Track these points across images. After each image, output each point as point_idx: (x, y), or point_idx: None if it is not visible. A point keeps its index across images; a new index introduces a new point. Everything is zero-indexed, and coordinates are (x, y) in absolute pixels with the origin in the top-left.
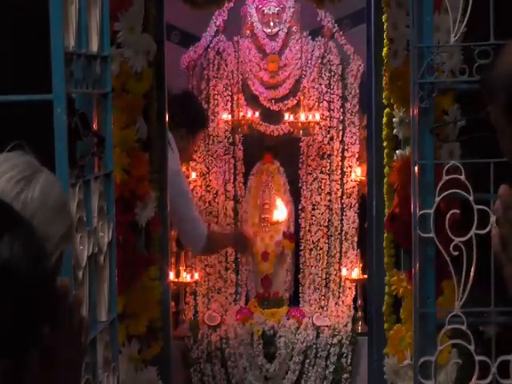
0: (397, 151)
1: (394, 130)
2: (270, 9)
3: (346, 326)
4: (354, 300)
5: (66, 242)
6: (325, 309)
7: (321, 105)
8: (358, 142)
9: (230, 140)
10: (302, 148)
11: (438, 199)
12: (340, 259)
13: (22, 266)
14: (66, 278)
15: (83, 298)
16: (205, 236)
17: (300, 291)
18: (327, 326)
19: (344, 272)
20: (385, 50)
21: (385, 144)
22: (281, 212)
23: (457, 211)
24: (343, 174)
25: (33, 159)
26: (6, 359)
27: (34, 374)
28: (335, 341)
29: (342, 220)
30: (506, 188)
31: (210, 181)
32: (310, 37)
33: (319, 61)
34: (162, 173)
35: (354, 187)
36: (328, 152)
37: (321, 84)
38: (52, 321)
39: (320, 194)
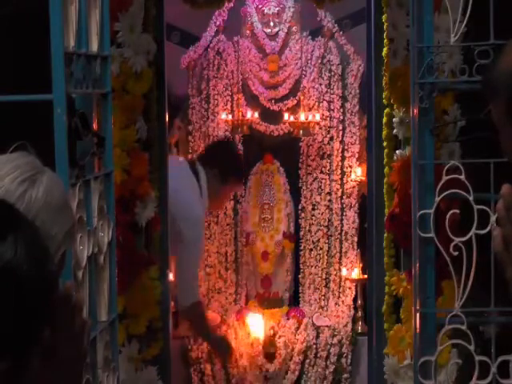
0: (397, 151)
1: (394, 130)
2: (270, 9)
3: (346, 326)
4: (354, 300)
5: (69, 241)
6: (325, 309)
7: (321, 105)
8: (358, 142)
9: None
10: (302, 148)
11: (437, 199)
12: (340, 259)
13: (24, 267)
14: (69, 281)
15: (84, 300)
16: (195, 299)
17: (300, 291)
18: (327, 325)
19: (344, 272)
20: (385, 50)
21: (385, 144)
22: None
23: (457, 211)
24: (343, 173)
25: (35, 160)
26: (6, 360)
27: (34, 375)
28: (335, 341)
29: (342, 220)
30: (508, 188)
31: None
32: (310, 37)
33: (319, 61)
34: (162, 173)
35: (353, 187)
36: (328, 152)
37: (321, 84)
38: (54, 322)
39: (320, 194)
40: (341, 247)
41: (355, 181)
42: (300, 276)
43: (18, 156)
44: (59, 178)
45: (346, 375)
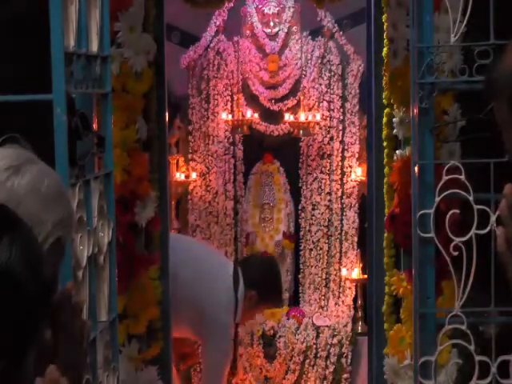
0: (397, 151)
1: (394, 130)
2: (270, 9)
3: (346, 326)
4: (354, 300)
5: (64, 230)
6: (325, 309)
7: (321, 105)
8: (357, 142)
9: (230, 140)
10: (302, 148)
11: (437, 199)
12: (340, 259)
13: (19, 269)
14: (69, 281)
15: (84, 300)
16: None
17: (300, 291)
18: (327, 326)
19: (344, 272)
20: (385, 50)
21: (385, 144)
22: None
23: (457, 211)
24: (343, 174)
25: (26, 152)
26: (3, 359)
27: (32, 374)
28: (335, 341)
29: (342, 220)
30: (511, 187)
31: (209, 181)
32: (310, 37)
33: (319, 61)
34: (161, 173)
35: (353, 187)
36: (328, 152)
37: (321, 84)
38: (53, 323)
39: (320, 194)
40: (341, 247)
41: (355, 181)
42: (300, 276)
43: (5, 148)
44: (55, 172)
45: (345, 375)
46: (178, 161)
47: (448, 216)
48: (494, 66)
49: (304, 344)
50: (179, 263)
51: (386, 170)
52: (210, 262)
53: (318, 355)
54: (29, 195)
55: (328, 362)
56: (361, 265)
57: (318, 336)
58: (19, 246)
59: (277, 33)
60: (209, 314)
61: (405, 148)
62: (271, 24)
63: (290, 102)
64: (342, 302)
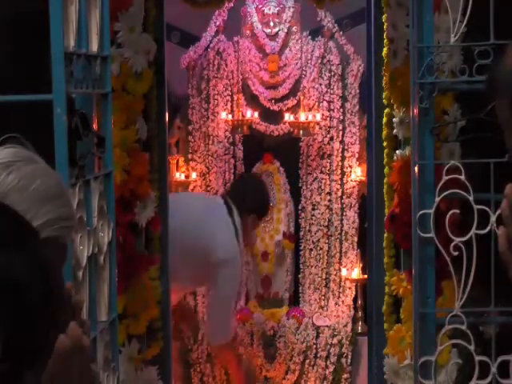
0: (397, 151)
1: (394, 130)
2: (270, 9)
3: (346, 326)
4: (354, 300)
5: (56, 230)
6: (325, 309)
7: (321, 105)
8: (358, 142)
9: (230, 140)
10: (302, 148)
11: (437, 199)
12: (340, 259)
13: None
14: (68, 282)
15: (84, 301)
16: (227, 339)
17: (300, 291)
18: (327, 325)
19: (344, 272)
20: (385, 50)
21: (385, 144)
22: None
23: (457, 211)
24: (343, 174)
25: (26, 151)
26: (5, 362)
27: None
28: (335, 341)
29: (342, 220)
30: None
31: (209, 181)
32: (309, 37)
33: (319, 61)
34: (161, 173)
35: (353, 187)
36: (328, 152)
37: (321, 84)
38: (53, 323)
39: (320, 194)
40: (341, 247)
41: (355, 181)
42: (300, 276)
43: (7, 148)
44: (56, 173)
45: (345, 375)
46: (178, 161)
47: (448, 216)
48: (495, 66)
49: (304, 344)
50: (179, 220)
51: (386, 170)
52: (207, 207)
53: (318, 355)
54: (12, 192)
55: (328, 362)
56: (361, 265)
57: (318, 336)
58: (25, 252)
59: (277, 33)
60: (217, 249)
61: (405, 148)
62: (271, 24)
63: (290, 102)
64: (342, 302)
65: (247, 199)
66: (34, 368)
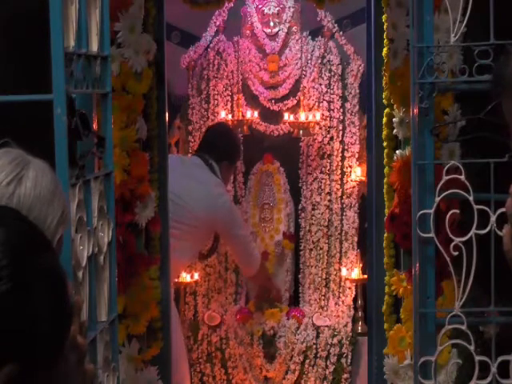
0: (397, 151)
1: (394, 130)
2: (270, 9)
3: (345, 326)
4: (354, 300)
5: (63, 225)
6: (325, 309)
7: (321, 105)
8: (358, 142)
9: None
10: (302, 148)
11: (438, 199)
12: (340, 259)
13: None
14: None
15: (83, 301)
16: (258, 266)
17: (300, 291)
18: (327, 326)
19: (344, 272)
20: (385, 50)
21: (385, 144)
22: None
23: (457, 211)
24: (343, 174)
25: (19, 154)
26: (16, 363)
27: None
28: (335, 341)
29: (342, 220)
30: None
31: None
32: (309, 37)
33: (319, 61)
34: (161, 173)
35: (353, 187)
36: (328, 152)
37: (321, 84)
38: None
39: (320, 194)
40: (341, 247)
41: (355, 181)
42: (300, 276)
43: (1, 155)
44: (45, 165)
45: (345, 375)
46: None
47: (448, 216)
48: (502, 65)
49: (304, 344)
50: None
51: (386, 170)
52: (194, 175)
53: (318, 355)
54: (33, 204)
55: (328, 362)
56: (361, 265)
57: (318, 336)
58: (52, 261)
59: (277, 33)
60: (213, 206)
61: (405, 148)
62: (271, 24)
63: (290, 102)
64: (342, 302)
65: (216, 148)
66: (47, 368)
